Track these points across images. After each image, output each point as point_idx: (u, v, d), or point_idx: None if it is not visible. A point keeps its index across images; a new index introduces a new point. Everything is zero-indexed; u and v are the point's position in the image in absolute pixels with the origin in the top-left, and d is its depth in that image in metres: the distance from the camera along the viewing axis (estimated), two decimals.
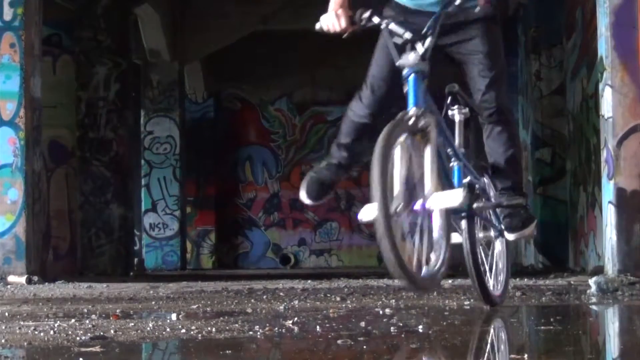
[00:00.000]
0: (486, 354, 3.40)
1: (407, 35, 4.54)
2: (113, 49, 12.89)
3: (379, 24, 4.63)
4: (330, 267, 18.15)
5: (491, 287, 5.07)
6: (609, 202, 7.90)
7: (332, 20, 4.64)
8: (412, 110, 4.39)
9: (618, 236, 7.73)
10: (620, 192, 7.80)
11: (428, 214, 4.38)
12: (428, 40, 4.52)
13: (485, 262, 5.06)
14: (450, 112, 4.99)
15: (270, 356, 3.58)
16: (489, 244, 5.15)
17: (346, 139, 4.88)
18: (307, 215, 18.64)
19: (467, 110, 4.98)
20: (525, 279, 8.60)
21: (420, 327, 4.24)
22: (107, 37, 12.80)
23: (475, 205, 4.85)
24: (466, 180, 4.87)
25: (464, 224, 4.87)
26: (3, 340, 3.84)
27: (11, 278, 8.97)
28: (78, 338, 3.88)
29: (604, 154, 8.02)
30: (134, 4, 13.67)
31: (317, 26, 4.72)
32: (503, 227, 4.99)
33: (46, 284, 8.86)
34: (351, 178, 18.72)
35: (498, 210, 5.03)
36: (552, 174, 12.48)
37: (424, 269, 4.28)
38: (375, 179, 4.21)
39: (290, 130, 18.84)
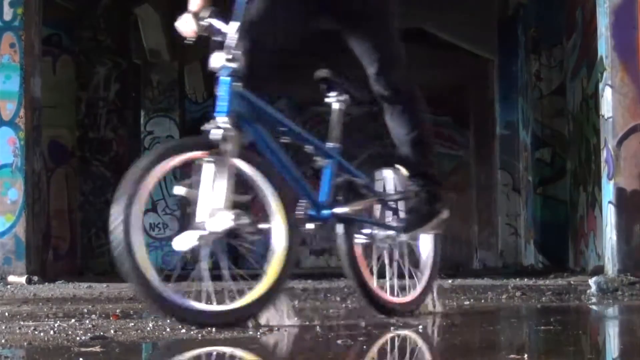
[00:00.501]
0: (486, 354, 3.40)
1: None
2: (113, 49, 12.89)
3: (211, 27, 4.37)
4: (330, 267, 18.14)
5: (385, 293, 4.69)
6: (609, 202, 7.90)
7: (184, 23, 4.44)
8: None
9: (618, 236, 7.73)
10: (620, 192, 7.80)
11: None
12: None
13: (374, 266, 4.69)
14: (327, 101, 4.61)
15: (270, 356, 3.58)
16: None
17: None
18: None
19: (346, 97, 4.56)
20: (525, 279, 8.60)
21: (420, 327, 4.25)
22: (107, 37, 12.81)
23: (346, 209, 4.43)
24: (340, 179, 4.48)
25: (339, 227, 4.51)
26: (3, 340, 3.84)
27: (11, 278, 8.97)
28: (78, 338, 3.88)
29: (604, 154, 8.02)
30: (134, 4, 13.68)
31: (177, 28, 4.45)
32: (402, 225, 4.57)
33: (46, 284, 8.86)
34: None
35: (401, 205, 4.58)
36: (552, 174, 12.48)
37: None
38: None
39: None
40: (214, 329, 4.17)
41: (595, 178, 10.11)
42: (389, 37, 4.43)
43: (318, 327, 4.30)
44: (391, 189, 4.64)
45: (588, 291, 6.52)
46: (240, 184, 3.93)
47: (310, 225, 4.31)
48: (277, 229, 4.01)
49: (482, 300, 5.91)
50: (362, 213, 4.59)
